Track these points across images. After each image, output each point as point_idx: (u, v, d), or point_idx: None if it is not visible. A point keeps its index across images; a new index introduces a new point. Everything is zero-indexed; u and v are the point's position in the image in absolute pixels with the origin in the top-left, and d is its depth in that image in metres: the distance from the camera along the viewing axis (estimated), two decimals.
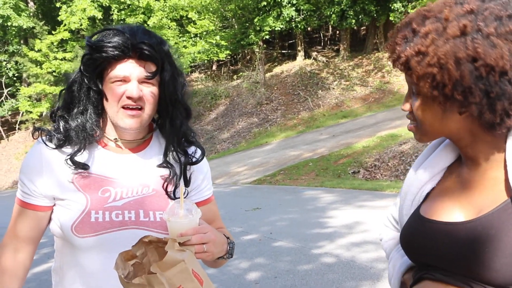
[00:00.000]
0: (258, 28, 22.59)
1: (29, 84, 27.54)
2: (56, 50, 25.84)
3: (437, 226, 1.22)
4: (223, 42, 23.90)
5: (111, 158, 1.65)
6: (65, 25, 24.99)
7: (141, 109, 1.56)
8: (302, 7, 21.90)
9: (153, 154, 1.70)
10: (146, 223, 1.60)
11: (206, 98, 24.39)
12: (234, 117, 22.12)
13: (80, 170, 1.59)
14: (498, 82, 1.06)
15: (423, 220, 1.27)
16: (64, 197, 1.59)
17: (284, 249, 6.34)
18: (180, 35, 26.06)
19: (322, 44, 27.65)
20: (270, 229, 7.47)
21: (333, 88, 21.82)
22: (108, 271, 1.48)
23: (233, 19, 25.25)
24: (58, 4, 26.96)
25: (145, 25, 19.70)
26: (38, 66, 25.59)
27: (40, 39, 25.97)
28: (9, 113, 29.13)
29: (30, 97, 26.67)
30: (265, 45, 25.63)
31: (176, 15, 25.20)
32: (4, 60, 28.68)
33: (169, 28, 25.03)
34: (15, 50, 28.12)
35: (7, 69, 28.93)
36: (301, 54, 25.02)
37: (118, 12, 26.13)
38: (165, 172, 1.68)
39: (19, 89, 27.40)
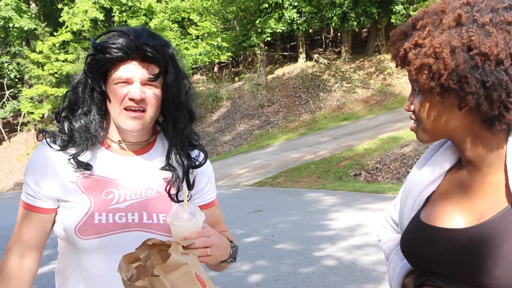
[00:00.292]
0: (259, 30, 22.63)
1: (30, 86, 27.60)
2: (58, 51, 25.88)
3: (438, 232, 1.22)
4: (224, 44, 23.95)
5: (114, 160, 1.65)
6: (67, 26, 25.04)
7: (143, 111, 1.56)
8: (303, 9, 21.92)
9: (157, 156, 1.70)
10: (149, 225, 1.60)
11: (208, 100, 24.40)
12: (236, 119, 22.12)
13: (83, 172, 1.59)
14: (494, 71, 1.06)
15: (424, 226, 1.26)
16: (68, 199, 1.59)
17: (285, 252, 6.34)
18: (181, 37, 26.09)
19: (323, 46, 27.65)
20: (271, 231, 7.46)
21: (335, 90, 21.82)
22: (111, 273, 1.48)
23: (235, 21, 25.30)
24: (60, 6, 27.03)
25: (147, 27, 19.72)
26: (40, 68, 25.64)
27: (42, 40, 26.02)
28: (11, 114, 29.15)
29: (31, 98, 26.71)
30: (266, 47, 25.67)
31: (178, 17, 25.26)
32: (6, 62, 28.70)
33: (170, 30, 25.08)
34: (17, 52, 28.14)
35: (9, 71, 28.96)
36: (302, 56, 25.03)
37: (119, 13, 26.15)
38: (168, 174, 1.68)
39: (21, 91, 27.43)
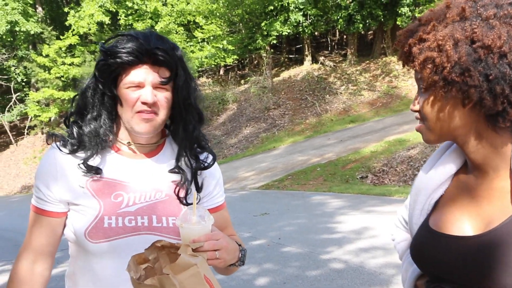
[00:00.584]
0: (265, 33, 22.62)
1: (37, 89, 27.70)
2: (64, 55, 25.99)
3: (446, 239, 1.22)
4: (230, 47, 23.96)
5: (124, 163, 1.66)
6: (73, 30, 25.15)
7: (155, 113, 1.57)
8: (309, 12, 21.91)
9: (165, 159, 1.71)
10: (159, 228, 1.61)
11: (214, 103, 24.41)
12: (242, 122, 22.12)
13: (93, 175, 1.60)
14: (497, 64, 1.06)
15: (433, 233, 1.26)
16: (78, 202, 1.60)
17: (292, 255, 6.34)
18: (187, 40, 26.14)
19: (329, 48, 27.63)
20: (278, 234, 7.46)
21: (341, 93, 21.78)
22: (121, 276, 1.49)
23: (240, 24, 25.29)
24: (66, 9, 27.15)
25: (153, 30, 19.78)
26: (47, 71, 25.74)
27: (48, 44, 26.13)
28: (18, 118, 29.28)
29: (38, 102, 26.80)
30: (272, 50, 25.65)
31: (184, 20, 25.31)
32: (13, 66, 28.85)
33: (176, 33, 25.15)
34: (24, 56, 28.28)
35: (16, 74, 29.10)
36: (308, 59, 25.01)
37: (125, 17, 26.25)
38: (177, 177, 1.69)
39: (28, 94, 27.55)
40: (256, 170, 15.45)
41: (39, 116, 26.07)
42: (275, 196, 11.71)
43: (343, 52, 26.01)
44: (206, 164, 1.73)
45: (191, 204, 1.54)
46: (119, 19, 26.48)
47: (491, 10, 1.08)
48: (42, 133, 27.62)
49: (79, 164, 1.59)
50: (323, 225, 7.78)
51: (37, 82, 27.45)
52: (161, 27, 23.91)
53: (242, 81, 26.41)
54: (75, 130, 1.63)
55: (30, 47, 29.31)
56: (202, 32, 24.63)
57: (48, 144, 1.69)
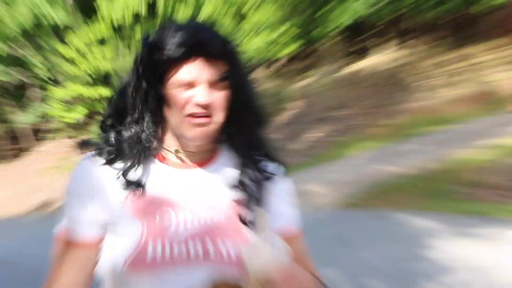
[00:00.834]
0: (335, 16, 22.37)
1: (61, 86, 28.23)
2: (95, 47, 26.55)
3: None
4: (287, 36, 23.88)
5: (172, 175, 1.64)
6: (105, 21, 25.76)
7: (209, 116, 1.54)
8: None
9: (222, 170, 1.68)
10: (217, 258, 1.54)
11: (270, 101, 24.50)
12: (306, 124, 22.08)
13: (134, 190, 1.56)
14: None
15: None
16: (116, 223, 1.57)
17: None
18: (235, 30, 26.32)
19: (408, 37, 27.22)
20: (360, 264, 7.34)
21: (426, 90, 21.43)
22: None
23: (301, 7, 25.19)
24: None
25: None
26: (74, 65, 26.29)
27: (77, 35, 26.79)
28: (36, 120, 29.37)
29: (62, 101, 27.13)
30: (340, 37, 25.46)
31: (231, 8, 25.46)
32: (40, 62, 29.60)
33: (222, 23, 25.34)
34: (50, 49, 29.07)
35: (38, 69, 29.62)
36: (388, 46, 24.67)
37: (164, 6, 26.66)
38: (239, 193, 1.62)
39: (50, 92, 27.79)
40: (328, 183, 15.29)
41: (63, 118, 26.49)
42: (353, 216, 11.57)
43: (428, 39, 25.53)
44: (275, 178, 1.68)
45: (259, 228, 1.48)
46: (157, 9, 26.91)
47: None
48: (69, 138, 27.90)
49: (117, 178, 1.56)
50: (418, 253, 7.63)
51: (63, 78, 27.95)
52: (206, 14, 24.15)
53: (304, 76, 26.36)
54: (112, 135, 1.61)
55: (57, 39, 30.16)
56: (251, 22, 24.59)
57: (82, 153, 1.67)
